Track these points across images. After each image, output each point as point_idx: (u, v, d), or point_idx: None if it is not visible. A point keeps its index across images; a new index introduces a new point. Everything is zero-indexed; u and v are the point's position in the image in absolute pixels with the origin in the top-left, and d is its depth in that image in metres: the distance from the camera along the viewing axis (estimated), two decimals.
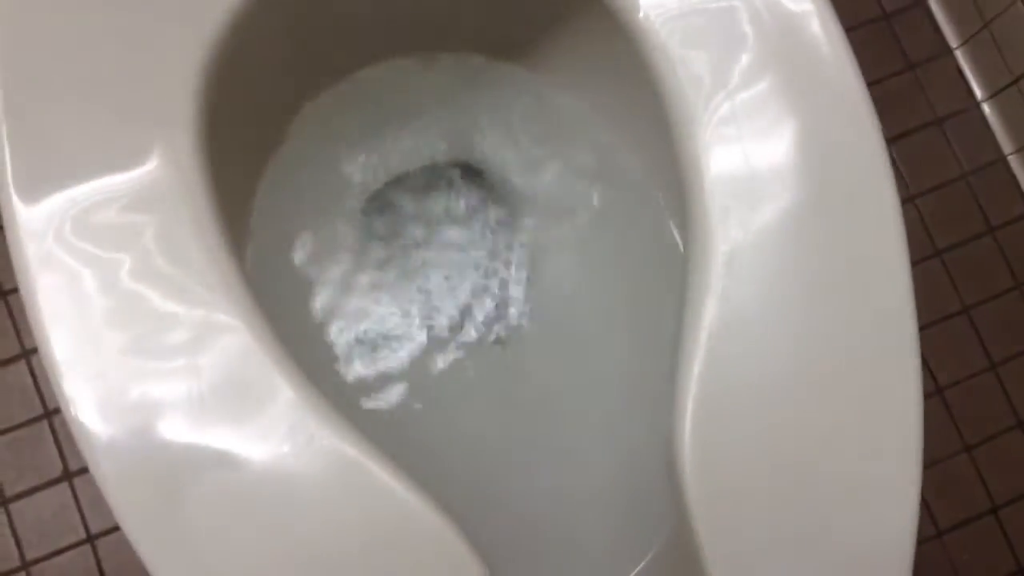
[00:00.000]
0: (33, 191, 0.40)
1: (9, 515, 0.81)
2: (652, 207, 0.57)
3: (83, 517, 0.80)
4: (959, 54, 0.94)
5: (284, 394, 0.39)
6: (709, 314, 0.41)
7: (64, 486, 0.80)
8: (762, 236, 0.42)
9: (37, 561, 0.81)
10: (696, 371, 0.40)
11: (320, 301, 0.58)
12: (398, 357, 0.58)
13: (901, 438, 0.41)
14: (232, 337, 0.39)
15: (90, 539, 0.80)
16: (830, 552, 0.41)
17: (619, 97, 0.55)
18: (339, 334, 0.57)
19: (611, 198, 0.59)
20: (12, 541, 0.81)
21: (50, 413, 0.81)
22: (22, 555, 0.80)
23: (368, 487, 0.38)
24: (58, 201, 0.40)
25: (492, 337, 0.59)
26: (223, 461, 0.38)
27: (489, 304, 0.60)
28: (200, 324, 0.39)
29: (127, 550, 0.38)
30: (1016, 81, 0.88)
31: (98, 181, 0.40)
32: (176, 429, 0.38)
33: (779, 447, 0.41)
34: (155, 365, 0.39)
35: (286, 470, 0.38)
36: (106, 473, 0.37)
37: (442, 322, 0.59)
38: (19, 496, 0.81)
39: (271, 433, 0.38)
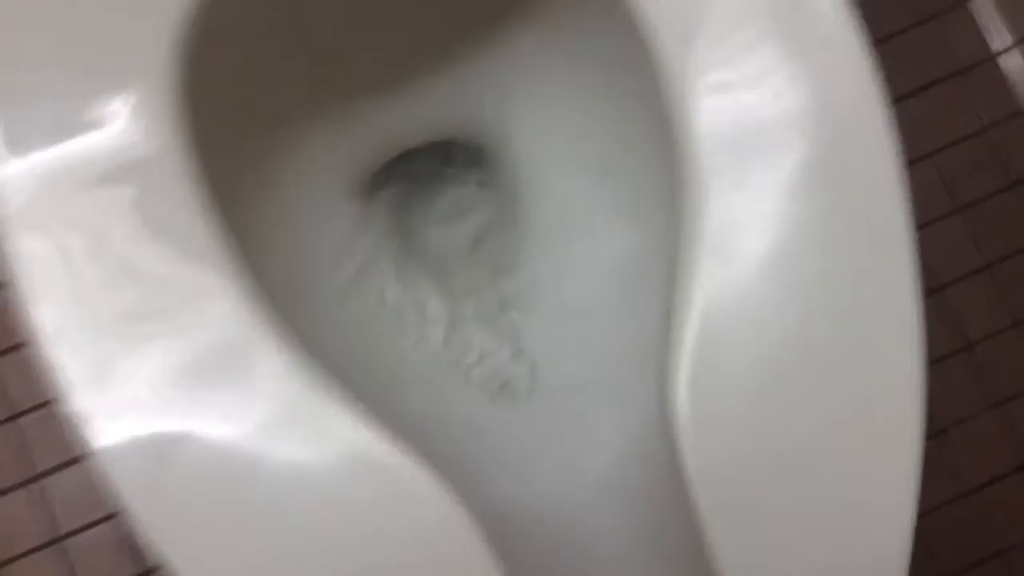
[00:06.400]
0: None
1: (42, 490, 0.83)
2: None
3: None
4: (980, 0, 0.91)
5: (272, 360, 0.39)
6: (703, 289, 0.40)
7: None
8: (758, 199, 0.41)
9: (71, 534, 0.83)
10: (687, 347, 0.40)
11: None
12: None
13: (901, 421, 0.40)
14: (220, 303, 0.39)
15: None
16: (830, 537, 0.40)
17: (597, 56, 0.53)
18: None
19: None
20: (46, 515, 0.83)
21: None
22: (55, 529, 0.83)
23: (362, 461, 0.38)
24: (23, 167, 0.39)
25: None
26: (210, 430, 0.38)
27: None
28: (186, 291, 0.39)
29: None
30: None
31: (65, 145, 0.39)
32: (163, 398, 0.39)
33: (779, 432, 0.40)
34: (142, 331, 0.39)
35: (274, 439, 0.38)
36: (99, 441, 0.38)
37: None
38: (49, 472, 0.84)
39: (258, 401, 0.39)
